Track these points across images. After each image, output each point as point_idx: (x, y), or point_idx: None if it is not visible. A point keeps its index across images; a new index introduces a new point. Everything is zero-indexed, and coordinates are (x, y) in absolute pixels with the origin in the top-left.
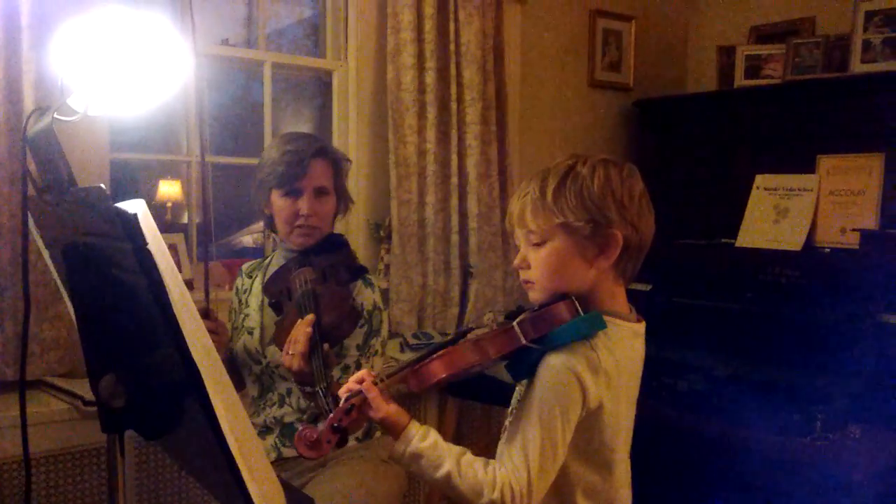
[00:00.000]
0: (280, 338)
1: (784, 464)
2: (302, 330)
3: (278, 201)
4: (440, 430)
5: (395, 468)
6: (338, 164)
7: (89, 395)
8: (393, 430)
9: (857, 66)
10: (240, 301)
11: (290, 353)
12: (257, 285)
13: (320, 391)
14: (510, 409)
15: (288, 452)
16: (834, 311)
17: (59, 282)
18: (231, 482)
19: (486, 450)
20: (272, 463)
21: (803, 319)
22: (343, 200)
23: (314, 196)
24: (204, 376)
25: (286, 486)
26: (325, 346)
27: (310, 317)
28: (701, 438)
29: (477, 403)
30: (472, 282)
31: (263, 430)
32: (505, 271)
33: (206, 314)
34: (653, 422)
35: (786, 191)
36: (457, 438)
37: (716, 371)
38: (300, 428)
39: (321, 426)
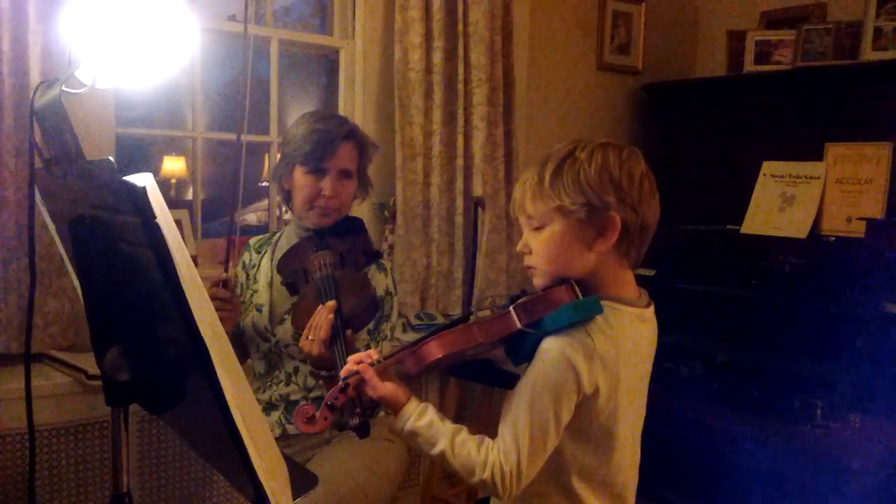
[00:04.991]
0: (298, 320)
1: (784, 451)
2: (324, 316)
3: (301, 178)
4: (441, 411)
5: (396, 446)
6: (364, 149)
7: (93, 369)
8: (393, 408)
9: (868, 54)
10: (247, 276)
11: (311, 338)
12: (266, 261)
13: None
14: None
15: (292, 429)
16: (837, 300)
17: (64, 255)
18: (236, 457)
19: (487, 431)
20: (276, 439)
21: (806, 307)
22: (364, 185)
23: (337, 178)
24: (210, 351)
25: (290, 461)
26: (349, 332)
27: (332, 303)
28: (701, 424)
29: (477, 384)
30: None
31: (268, 407)
32: (509, 253)
33: (224, 283)
34: (653, 406)
35: (792, 178)
36: (458, 419)
37: (718, 357)
38: (301, 404)
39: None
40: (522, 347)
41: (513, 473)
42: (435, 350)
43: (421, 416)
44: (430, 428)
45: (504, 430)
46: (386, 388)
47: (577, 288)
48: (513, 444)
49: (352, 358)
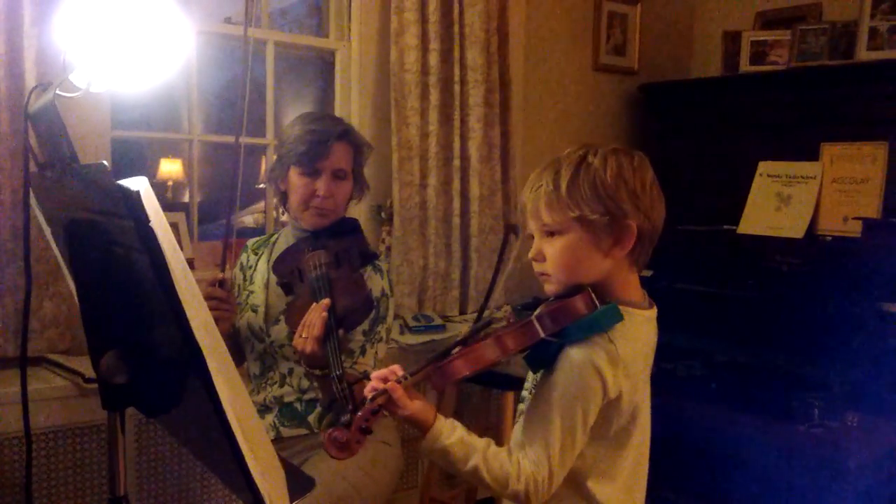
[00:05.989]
0: (292, 319)
1: (781, 451)
2: (317, 314)
3: (296, 179)
4: (440, 412)
5: (392, 448)
6: (359, 149)
7: (90, 372)
8: (420, 427)
9: (864, 54)
10: (244, 277)
11: (304, 336)
12: (263, 263)
13: (335, 377)
14: (523, 394)
15: (286, 432)
16: (834, 300)
17: (59, 258)
18: (232, 459)
19: (486, 431)
20: (271, 442)
21: (804, 307)
22: (359, 186)
23: (332, 178)
24: (205, 354)
25: (286, 464)
26: (340, 331)
27: (325, 301)
28: (699, 423)
29: (476, 386)
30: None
31: (263, 409)
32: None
33: (221, 283)
34: (650, 406)
35: (789, 178)
36: (456, 419)
37: (715, 357)
38: (330, 430)
39: (347, 425)
40: (543, 356)
41: (546, 482)
42: (461, 367)
43: (451, 434)
44: (461, 445)
45: (532, 441)
46: (415, 407)
47: (594, 296)
48: (544, 454)
49: (376, 375)
